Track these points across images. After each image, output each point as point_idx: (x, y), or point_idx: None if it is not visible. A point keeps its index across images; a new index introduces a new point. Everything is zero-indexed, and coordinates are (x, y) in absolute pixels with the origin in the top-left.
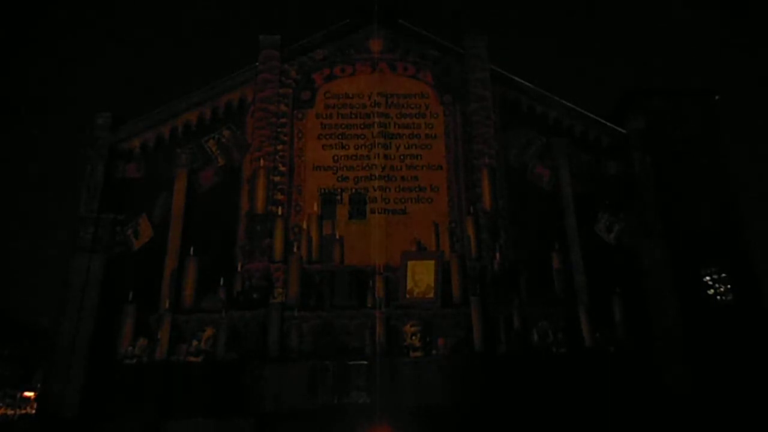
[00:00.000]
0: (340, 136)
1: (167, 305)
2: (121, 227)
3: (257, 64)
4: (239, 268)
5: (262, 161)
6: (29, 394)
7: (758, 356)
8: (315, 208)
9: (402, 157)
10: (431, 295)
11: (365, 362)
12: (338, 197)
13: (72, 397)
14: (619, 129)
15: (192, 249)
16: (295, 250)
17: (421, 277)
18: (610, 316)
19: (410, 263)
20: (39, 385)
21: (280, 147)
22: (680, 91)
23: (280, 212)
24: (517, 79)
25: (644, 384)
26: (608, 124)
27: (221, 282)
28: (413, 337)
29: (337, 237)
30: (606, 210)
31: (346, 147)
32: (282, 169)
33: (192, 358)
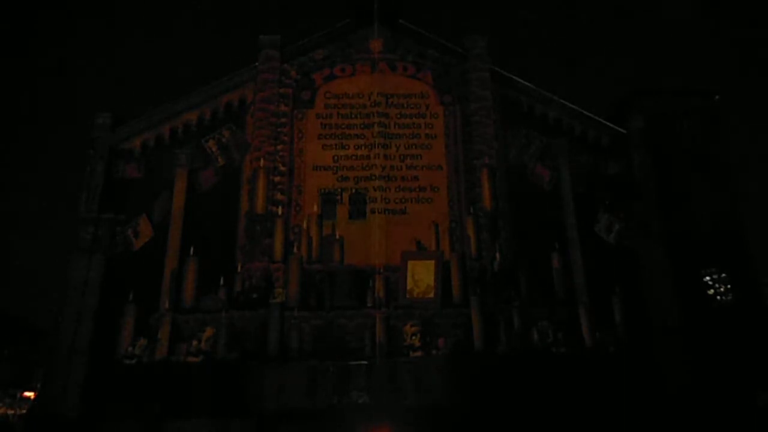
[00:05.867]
0: (340, 136)
1: (167, 305)
2: (121, 227)
3: (257, 64)
4: (239, 268)
5: (262, 161)
6: (29, 394)
7: (758, 356)
8: (315, 208)
9: (402, 157)
10: (431, 295)
11: (365, 362)
12: (338, 197)
13: (72, 397)
14: (619, 129)
15: (192, 249)
16: (295, 250)
17: (421, 277)
18: (610, 316)
19: (410, 263)
20: (39, 385)
21: (280, 147)
22: (680, 92)
23: (280, 212)
24: (517, 79)
25: (644, 384)
26: (608, 124)
27: (221, 282)
28: (413, 337)
29: (337, 237)
30: (606, 210)
31: (346, 147)
32: (282, 169)
33: (192, 358)
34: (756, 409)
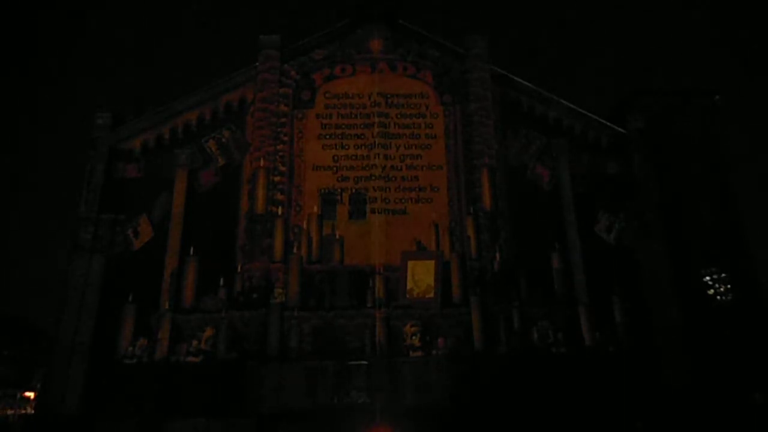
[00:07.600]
0: (340, 136)
1: (167, 305)
2: (121, 227)
3: (257, 64)
4: (239, 268)
5: (262, 161)
6: (29, 394)
7: (758, 355)
8: (315, 208)
9: (402, 157)
10: (431, 295)
11: (365, 362)
12: (338, 197)
13: (72, 397)
14: (619, 129)
15: (192, 249)
16: (295, 250)
17: (421, 277)
18: (610, 316)
19: (410, 263)
20: (39, 385)
21: (280, 147)
22: (680, 91)
23: (280, 212)
24: (517, 79)
25: (644, 383)
26: (608, 124)
27: (221, 282)
28: (413, 337)
29: (337, 237)
30: (606, 210)
31: (346, 147)
32: (282, 169)
33: (192, 358)
34: (754, 408)
